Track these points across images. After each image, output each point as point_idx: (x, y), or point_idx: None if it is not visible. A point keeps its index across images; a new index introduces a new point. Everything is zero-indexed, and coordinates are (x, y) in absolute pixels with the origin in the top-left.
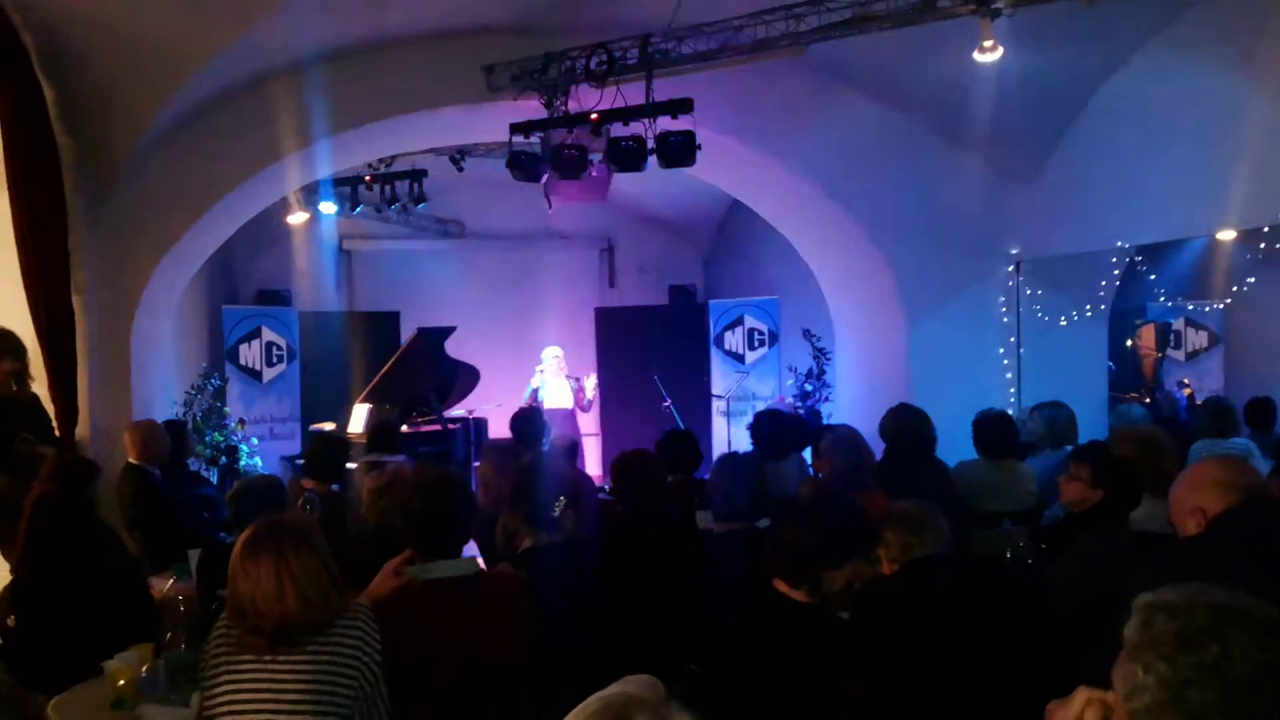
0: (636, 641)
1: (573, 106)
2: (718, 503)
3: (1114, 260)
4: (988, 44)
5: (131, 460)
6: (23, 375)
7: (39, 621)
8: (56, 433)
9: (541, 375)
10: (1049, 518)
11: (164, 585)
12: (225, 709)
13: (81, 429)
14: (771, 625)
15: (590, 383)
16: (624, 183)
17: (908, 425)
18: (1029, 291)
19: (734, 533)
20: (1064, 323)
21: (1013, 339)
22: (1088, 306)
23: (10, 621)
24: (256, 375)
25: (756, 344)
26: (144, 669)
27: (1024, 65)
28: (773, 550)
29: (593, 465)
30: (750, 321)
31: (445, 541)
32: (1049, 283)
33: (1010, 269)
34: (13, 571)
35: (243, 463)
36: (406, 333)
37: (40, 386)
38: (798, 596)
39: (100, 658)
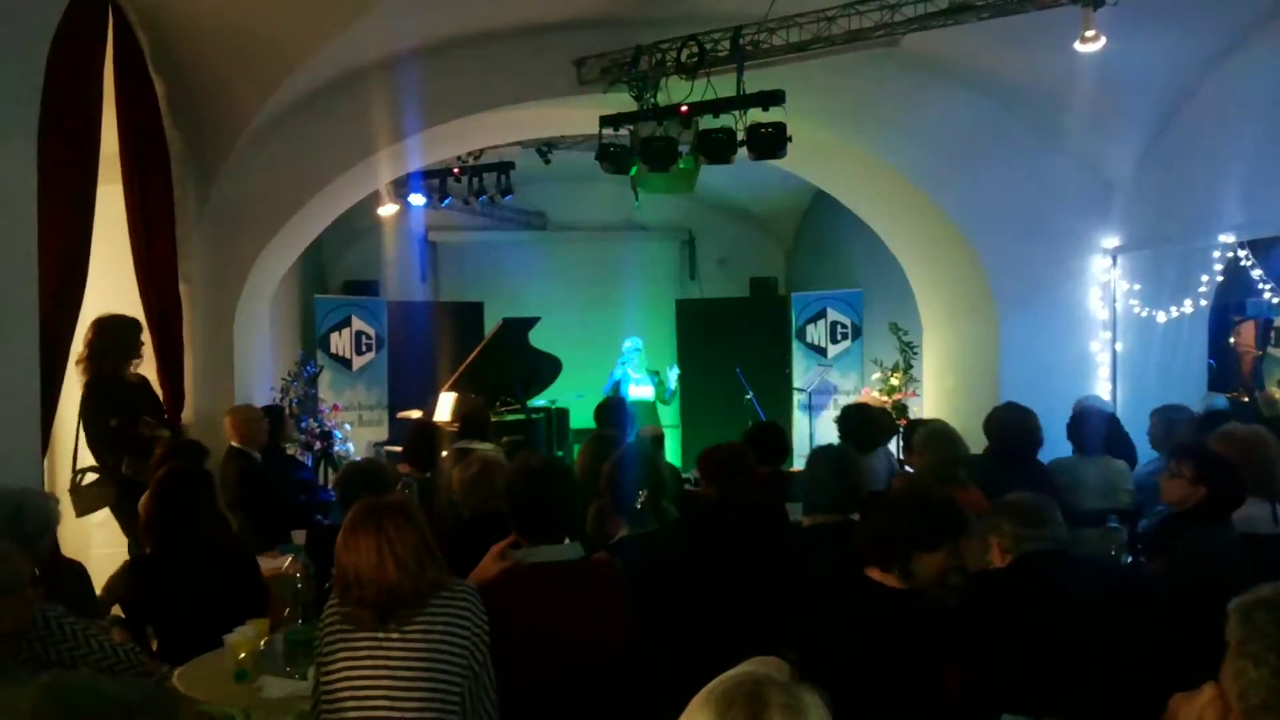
0: (730, 631)
1: (661, 99)
2: (811, 495)
3: (1216, 255)
4: (1089, 34)
5: (233, 444)
6: (127, 358)
7: (161, 594)
8: (165, 415)
9: (623, 367)
10: (1148, 518)
11: (271, 564)
12: (343, 683)
13: (186, 413)
14: (866, 612)
15: (673, 375)
16: (705, 174)
17: (1015, 425)
18: (1125, 286)
19: (826, 525)
20: (1162, 319)
21: (1107, 334)
22: (1187, 302)
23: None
24: (347, 363)
25: (839, 337)
26: (262, 643)
27: (1123, 56)
28: (864, 536)
29: (674, 457)
30: (833, 314)
31: (550, 526)
32: (1147, 277)
33: (1106, 263)
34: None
35: (336, 448)
36: (490, 323)
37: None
38: (891, 582)
39: (215, 632)
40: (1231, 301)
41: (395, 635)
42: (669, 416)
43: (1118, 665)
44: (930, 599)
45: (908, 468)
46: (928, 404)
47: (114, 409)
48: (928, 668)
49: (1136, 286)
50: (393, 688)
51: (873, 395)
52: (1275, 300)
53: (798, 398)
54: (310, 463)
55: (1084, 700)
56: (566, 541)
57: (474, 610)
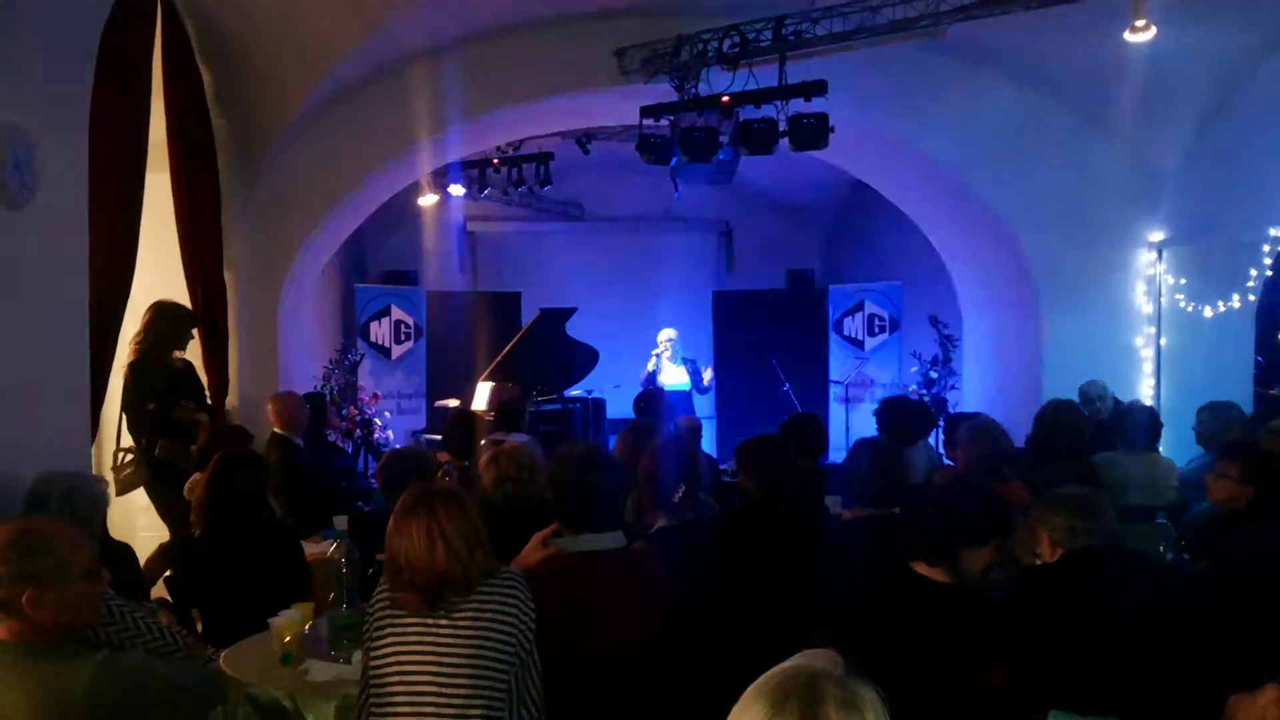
0: (770, 623)
1: (703, 89)
2: (853, 487)
3: (1266, 249)
4: (1140, 23)
5: (275, 430)
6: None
7: (210, 577)
8: (208, 400)
9: (657, 359)
10: (1193, 515)
11: (313, 549)
12: (392, 667)
13: (231, 399)
14: (912, 606)
15: (707, 375)
16: (743, 165)
17: (1056, 423)
18: (1171, 280)
19: (867, 518)
20: (1209, 313)
21: (1152, 329)
22: (1235, 296)
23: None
24: (386, 352)
25: (877, 330)
26: (307, 627)
27: (1173, 45)
28: (911, 531)
29: (709, 448)
30: (871, 307)
31: (593, 515)
32: (1193, 271)
33: (1152, 256)
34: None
35: (377, 435)
36: (527, 313)
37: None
38: (938, 577)
39: (260, 615)
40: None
41: (444, 621)
42: (704, 407)
43: (1170, 664)
44: (976, 594)
45: (947, 461)
46: (968, 398)
47: (152, 392)
48: (974, 664)
49: (1182, 281)
50: (440, 673)
51: (910, 388)
52: None
53: (834, 390)
54: (350, 450)
55: (1135, 699)
56: (609, 530)
57: (522, 598)
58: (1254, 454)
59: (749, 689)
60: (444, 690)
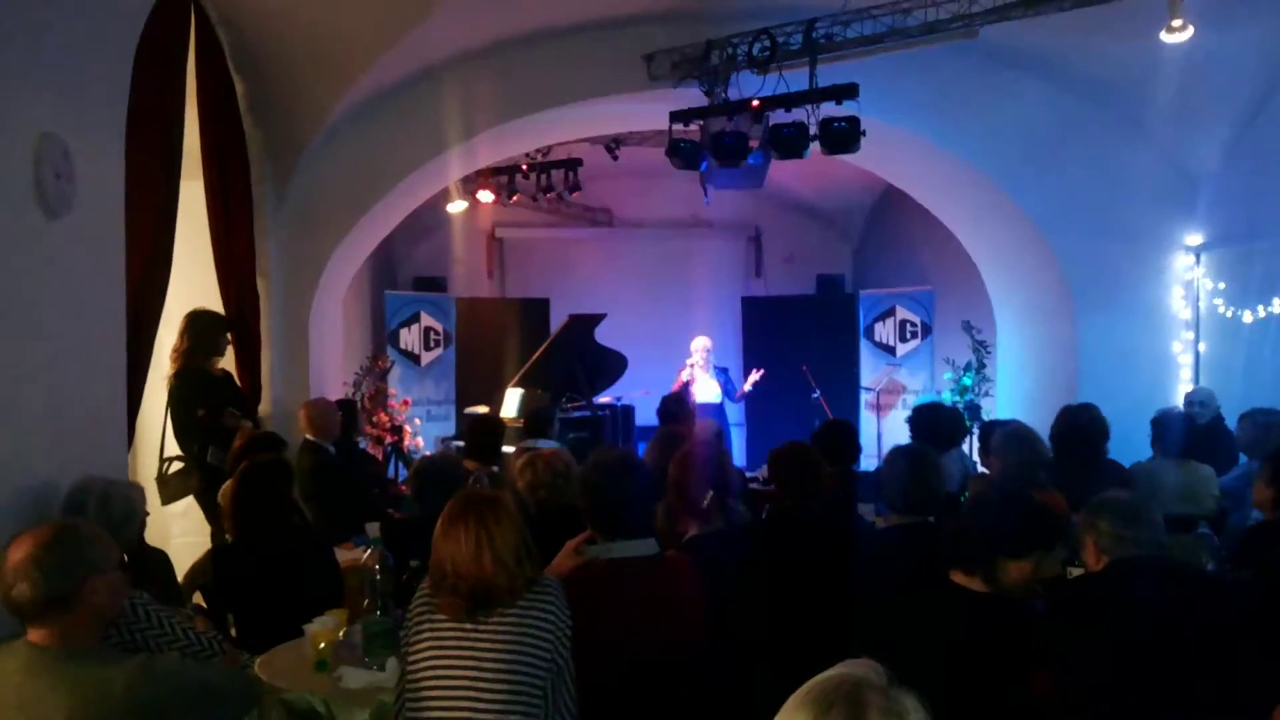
0: (805, 632)
1: (732, 93)
2: (888, 495)
3: None
4: (1176, 23)
5: (307, 436)
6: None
7: (243, 582)
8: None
9: (691, 369)
10: (1237, 524)
11: (345, 556)
12: (428, 673)
13: (263, 405)
14: (950, 616)
15: (751, 379)
16: (773, 170)
17: (1069, 426)
18: (1209, 285)
19: (903, 526)
20: (1249, 318)
21: (1190, 334)
22: (1276, 301)
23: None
24: (415, 359)
25: (909, 336)
26: (341, 634)
27: (1210, 45)
28: (948, 539)
29: (739, 457)
30: (902, 313)
31: (625, 521)
32: (1233, 275)
33: (1190, 260)
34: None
35: (407, 443)
36: (555, 319)
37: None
38: (976, 587)
39: (294, 621)
40: None
41: (484, 627)
42: (734, 415)
43: (1213, 676)
44: (1016, 603)
45: (982, 469)
46: (1002, 405)
47: (201, 400)
48: (1014, 674)
49: (1221, 285)
50: (478, 679)
51: (943, 395)
52: None
53: (865, 397)
54: (381, 457)
55: (1178, 711)
56: (641, 538)
57: (560, 606)
58: None
59: (791, 697)
60: (481, 696)
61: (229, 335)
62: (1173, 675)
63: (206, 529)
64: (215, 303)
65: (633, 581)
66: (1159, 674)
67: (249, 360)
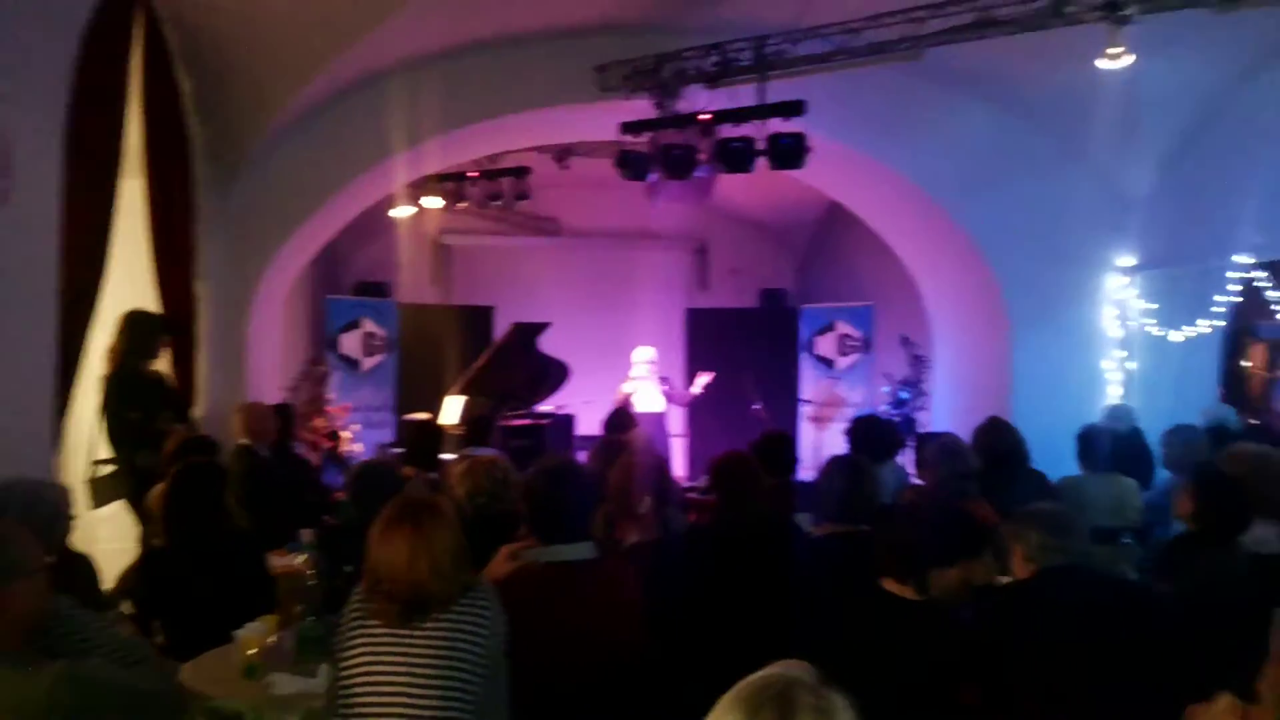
0: (741, 638)
1: (682, 106)
2: (824, 504)
3: (1232, 275)
4: (1115, 50)
5: (241, 440)
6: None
7: (172, 587)
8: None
9: (634, 381)
10: (1159, 537)
11: (278, 561)
12: (361, 678)
13: (199, 409)
14: (881, 623)
15: (701, 380)
16: (720, 184)
17: (994, 439)
18: (1141, 305)
19: (838, 535)
20: (1177, 338)
21: (1121, 353)
22: (1201, 322)
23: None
24: (355, 364)
25: (849, 350)
26: (271, 640)
27: (1147, 74)
28: (881, 548)
29: (680, 466)
30: (843, 327)
31: (564, 525)
32: (1162, 296)
33: (1122, 280)
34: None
35: (345, 448)
36: (500, 327)
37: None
38: (907, 594)
39: (223, 627)
40: (1245, 323)
41: (418, 632)
42: (675, 425)
43: (1135, 683)
44: (945, 611)
45: (916, 480)
46: (938, 418)
47: (135, 402)
48: (945, 680)
49: (1152, 305)
50: (411, 685)
51: (881, 408)
52: None
53: (805, 409)
54: (317, 463)
55: (1105, 715)
56: (579, 542)
57: (495, 611)
58: (1210, 477)
59: (724, 697)
60: (414, 702)
61: (165, 337)
62: (1099, 680)
63: (134, 535)
64: (152, 303)
65: (571, 584)
66: (1086, 678)
67: (184, 363)
